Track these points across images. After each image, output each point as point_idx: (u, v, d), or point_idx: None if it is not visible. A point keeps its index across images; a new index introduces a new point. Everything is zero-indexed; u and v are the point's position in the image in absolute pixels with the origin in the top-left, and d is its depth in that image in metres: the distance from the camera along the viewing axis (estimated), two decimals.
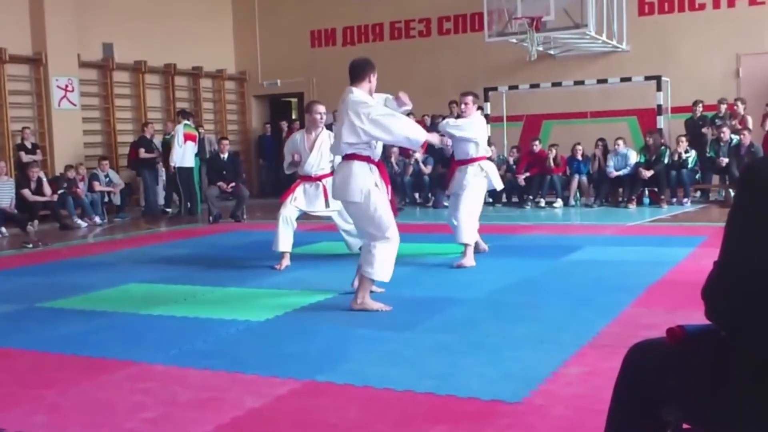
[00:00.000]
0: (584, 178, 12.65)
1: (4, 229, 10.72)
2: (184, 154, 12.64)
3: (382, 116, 5.01)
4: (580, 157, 12.64)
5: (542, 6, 12.34)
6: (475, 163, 6.97)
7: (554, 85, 13.73)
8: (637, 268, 6.41)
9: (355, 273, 5.45)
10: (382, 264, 5.05)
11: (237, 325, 4.83)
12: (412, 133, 5.10)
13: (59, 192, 11.91)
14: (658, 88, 12.70)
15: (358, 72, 5.13)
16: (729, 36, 13.35)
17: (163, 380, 3.71)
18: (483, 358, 3.88)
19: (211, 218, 11.63)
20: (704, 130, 12.52)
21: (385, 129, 5.00)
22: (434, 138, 5.85)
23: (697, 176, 12.35)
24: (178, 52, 15.72)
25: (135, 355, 4.14)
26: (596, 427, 2.22)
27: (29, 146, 12.76)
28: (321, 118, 7.07)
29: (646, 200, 12.45)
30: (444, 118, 8.73)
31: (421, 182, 13.59)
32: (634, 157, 12.28)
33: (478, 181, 6.98)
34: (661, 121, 12.74)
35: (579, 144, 12.71)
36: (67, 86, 13.62)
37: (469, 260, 6.74)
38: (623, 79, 13.15)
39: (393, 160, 13.40)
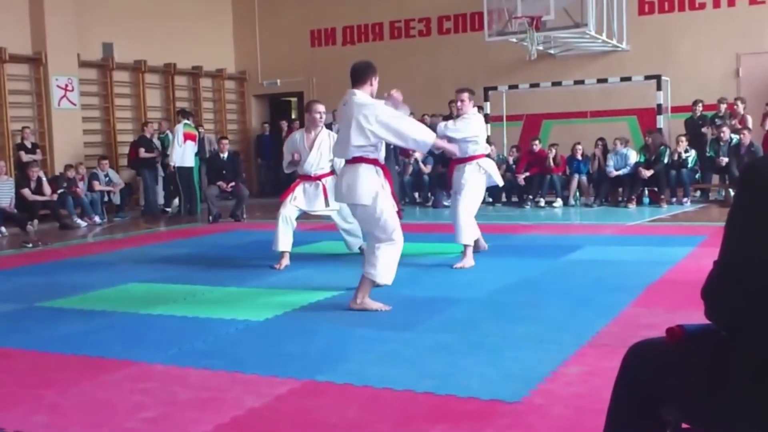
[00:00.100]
0: (584, 178, 12.65)
1: (3, 229, 10.72)
2: (184, 154, 12.65)
3: (390, 118, 5.00)
4: (579, 157, 12.64)
5: (542, 5, 12.33)
6: (474, 161, 6.95)
7: (554, 84, 13.73)
8: (636, 267, 6.41)
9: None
10: (385, 266, 5.05)
11: (237, 324, 4.82)
12: (420, 136, 5.09)
13: (59, 191, 11.91)
14: (658, 88, 12.70)
15: (360, 75, 5.10)
16: (729, 35, 13.35)
17: (162, 380, 3.71)
18: (483, 358, 3.88)
19: (210, 218, 11.64)
20: (704, 129, 12.52)
21: (394, 131, 4.99)
22: (445, 144, 5.73)
23: (697, 176, 12.35)
24: (177, 51, 15.72)
25: (135, 355, 4.14)
26: (596, 427, 2.21)
27: (29, 146, 12.76)
28: (320, 118, 7.07)
29: (646, 200, 12.45)
30: (442, 118, 8.69)
31: (421, 182, 13.59)
32: (633, 157, 12.28)
33: (476, 179, 6.94)
34: (661, 121, 12.74)
35: (579, 143, 12.71)
36: (66, 86, 13.62)
37: (469, 260, 6.74)
38: (623, 79, 13.15)
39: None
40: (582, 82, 13.67)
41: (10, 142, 12.83)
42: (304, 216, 7.40)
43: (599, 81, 13.47)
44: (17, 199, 11.30)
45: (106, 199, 12.92)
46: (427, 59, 15.57)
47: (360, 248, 7.21)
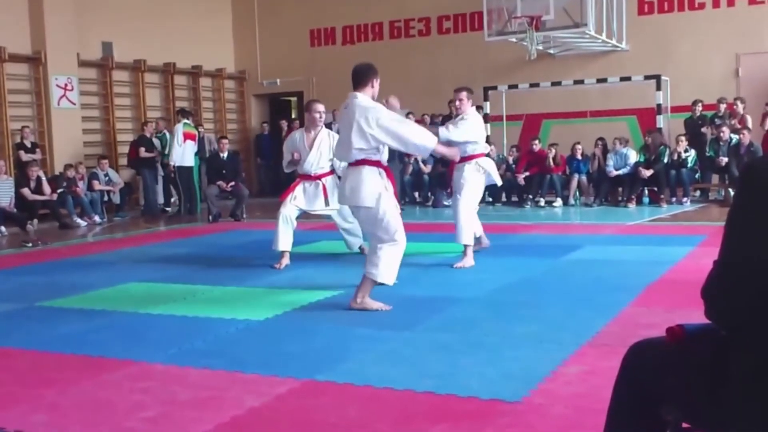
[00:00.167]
0: (584, 178, 12.65)
1: (3, 228, 10.72)
2: (184, 153, 12.65)
3: (391, 122, 4.99)
4: (579, 157, 12.64)
5: (542, 5, 12.34)
6: (473, 160, 6.95)
7: (554, 84, 13.73)
8: (636, 267, 6.41)
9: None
10: (387, 266, 5.05)
11: (236, 324, 4.83)
12: (421, 141, 5.06)
13: (59, 191, 11.91)
14: (658, 88, 12.70)
15: (361, 77, 5.09)
16: (728, 35, 13.36)
17: (162, 379, 3.71)
18: (483, 358, 3.88)
19: (210, 217, 11.63)
20: (704, 129, 12.52)
21: (395, 135, 4.98)
22: (445, 150, 5.58)
23: (697, 176, 12.35)
24: (177, 51, 15.72)
25: (134, 355, 4.15)
26: (596, 426, 2.22)
27: (29, 145, 12.76)
28: (320, 117, 7.07)
29: (646, 200, 12.45)
30: (442, 118, 8.67)
31: (421, 181, 13.58)
32: (633, 157, 12.29)
33: (475, 178, 6.95)
34: (661, 121, 12.74)
35: (579, 143, 12.71)
36: (66, 85, 13.61)
37: (469, 260, 6.74)
38: (623, 79, 13.15)
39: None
40: (582, 81, 13.67)
41: (10, 142, 12.83)
42: (304, 215, 7.40)
43: (599, 81, 13.47)
44: (17, 199, 11.30)
45: (105, 198, 12.92)
46: (427, 59, 15.57)
47: (360, 248, 7.22)
